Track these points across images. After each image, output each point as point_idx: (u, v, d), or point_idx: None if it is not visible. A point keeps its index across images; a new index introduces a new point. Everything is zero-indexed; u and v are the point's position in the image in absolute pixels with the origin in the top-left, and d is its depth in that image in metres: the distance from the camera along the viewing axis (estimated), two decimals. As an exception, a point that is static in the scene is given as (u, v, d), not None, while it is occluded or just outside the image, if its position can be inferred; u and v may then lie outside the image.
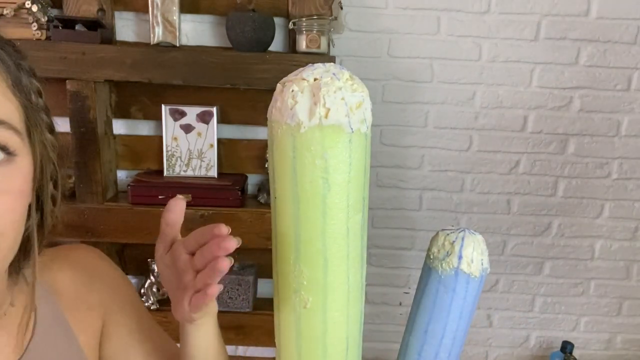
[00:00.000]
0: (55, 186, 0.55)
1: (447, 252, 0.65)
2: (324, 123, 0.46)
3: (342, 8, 1.25)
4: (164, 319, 1.33)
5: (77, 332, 0.61)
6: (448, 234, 0.67)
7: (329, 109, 0.46)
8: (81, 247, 0.67)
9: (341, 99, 0.47)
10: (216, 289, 0.47)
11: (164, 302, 1.35)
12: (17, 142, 0.46)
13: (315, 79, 0.48)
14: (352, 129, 0.47)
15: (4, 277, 0.52)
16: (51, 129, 0.54)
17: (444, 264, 0.65)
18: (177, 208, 0.53)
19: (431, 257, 0.68)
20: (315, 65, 0.50)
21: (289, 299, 0.53)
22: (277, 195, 0.51)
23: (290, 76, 0.50)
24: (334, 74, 0.48)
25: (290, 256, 0.51)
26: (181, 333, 0.58)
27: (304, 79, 0.48)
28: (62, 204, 0.57)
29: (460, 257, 0.64)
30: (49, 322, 0.58)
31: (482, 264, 0.66)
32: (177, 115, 1.27)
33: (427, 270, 0.68)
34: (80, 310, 0.62)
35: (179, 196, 0.54)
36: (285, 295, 0.53)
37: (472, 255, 0.65)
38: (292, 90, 0.47)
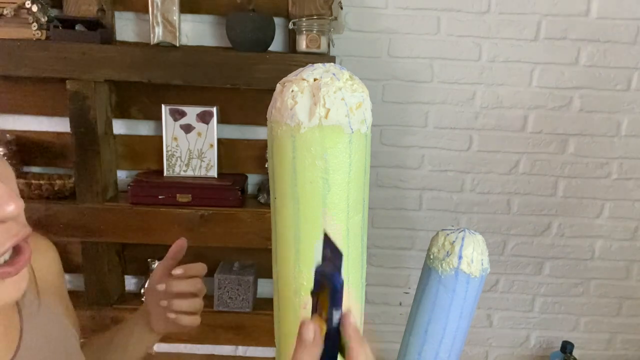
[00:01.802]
0: None
1: (447, 252, 0.65)
2: (324, 123, 0.46)
3: (342, 8, 1.25)
4: (164, 319, 1.33)
5: (58, 314, 0.62)
6: (448, 234, 0.67)
7: (329, 110, 0.46)
8: (43, 238, 0.69)
9: (341, 99, 0.46)
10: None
11: (164, 302, 1.35)
12: None
13: (315, 79, 0.47)
14: (352, 129, 0.47)
15: None
16: None
17: (444, 264, 0.65)
18: (183, 248, 0.73)
19: (431, 257, 0.68)
20: (315, 65, 0.50)
21: (289, 299, 0.53)
22: (277, 195, 0.51)
23: (290, 76, 0.50)
24: (334, 74, 0.48)
25: (290, 256, 0.51)
26: (133, 336, 0.76)
27: (303, 79, 0.48)
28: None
29: (460, 257, 0.64)
30: (34, 307, 0.58)
31: (482, 264, 0.66)
32: (177, 115, 1.27)
33: (427, 270, 0.68)
34: (52, 294, 0.64)
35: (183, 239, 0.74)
36: (285, 296, 0.53)
37: (472, 255, 0.65)
38: (292, 91, 0.47)
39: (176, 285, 0.71)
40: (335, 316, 0.41)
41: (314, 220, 0.49)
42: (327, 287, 0.40)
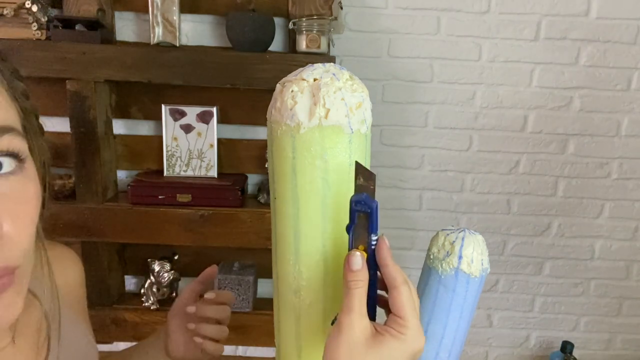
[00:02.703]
0: (44, 188, 0.52)
1: (447, 252, 0.65)
2: (323, 124, 0.46)
3: (342, 8, 1.25)
4: (164, 318, 1.33)
5: (82, 329, 0.62)
6: (448, 234, 0.67)
7: (328, 110, 0.46)
8: (70, 251, 0.68)
9: (341, 99, 0.46)
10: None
11: (164, 302, 1.35)
12: (25, 147, 0.44)
13: (315, 79, 0.47)
14: (352, 129, 0.47)
15: None
16: (42, 132, 0.52)
17: (444, 264, 0.65)
18: (214, 274, 0.76)
19: (431, 257, 0.68)
20: (315, 65, 0.50)
21: (288, 299, 0.53)
22: (277, 196, 0.51)
23: (290, 76, 0.50)
24: (333, 74, 0.48)
25: (290, 256, 0.51)
26: None
27: (303, 79, 0.48)
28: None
29: (460, 257, 0.64)
30: (64, 322, 0.57)
31: (482, 264, 0.65)
32: (177, 115, 1.27)
33: (427, 270, 0.68)
34: (76, 309, 0.63)
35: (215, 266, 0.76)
36: (285, 296, 0.53)
37: (472, 255, 0.64)
38: (292, 91, 0.47)
39: (206, 310, 0.71)
40: (373, 239, 0.44)
41: (314, 220, 0.49)
42: (363, 212, 0.43)
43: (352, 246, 0.45)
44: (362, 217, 0.43)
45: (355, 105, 0.47)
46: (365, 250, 0.44)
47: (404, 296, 0.42)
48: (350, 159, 0.48)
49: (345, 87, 0.47)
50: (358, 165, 0.44)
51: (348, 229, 0.45)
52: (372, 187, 0.43)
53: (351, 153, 0.48)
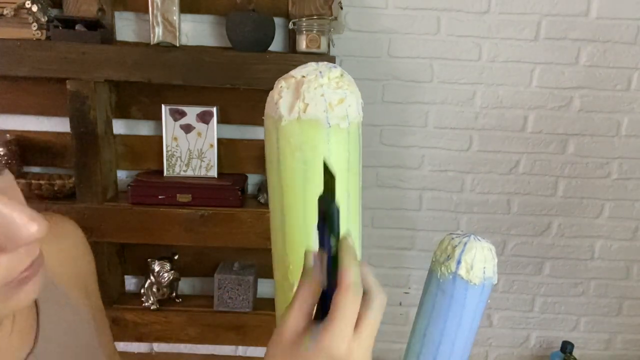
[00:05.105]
0: None
1: (448, 256, 0.65)
2: (302, 117, 0.48)
3: (342, 8, 1.25)
4: (164, 318, 1.34)
5: (75, 300, 0.59)
6: (453, 238, 0.66)
7: (307, 104, 0.48)
8: (68, 221, 0.64)
9: (321, 95, 0.48)
10: None
11: (164, 302, 1.35)
12: None
13: (302, 77, 0.50)
14: (329, 124, 0.49)
15: None
16: None
17: (443, 268, 0.65)
18: None
19: (433, 259, 0.68)
20: (309, 64, 0.52)
21: (279, 282, 0.55)
22: (268, 185, 0.55)
23: (286, 75, 0.53)
24: (320, 72, 0.50)
25: (278, 241, 0.54)
26: None
27: (292, 77, 0.50)
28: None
29: (459, 262, 0.64)
30: (51, 294, 0.55)
31: (484, 272, 0.64)
32: (177, 115, 1.27)
33: (429, 273, 0.68)
34: (70, 281, 0.60)
35: None
36: (277, 280, 0.55)
37: (473, 261, 0.64)
38: (280, 87, 0.50)
39: None
40: (331, 242, 0.41)
41: (296, 208, 0.52)
42: (325, 211, 0.40)
43: (320, 244, 0.42)
44: (326, 216, 0.41)
45: (336, 102, 0.49)
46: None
47: (339, 297, 0.39)
48: (329, 153, 0.50)
49: (329, 84, 0.49)
50: (324, 163, 0.41)
51: (317, 226, 0.42)
52: (333, 187, 0.40)
53: (330, 147, 0.50)
